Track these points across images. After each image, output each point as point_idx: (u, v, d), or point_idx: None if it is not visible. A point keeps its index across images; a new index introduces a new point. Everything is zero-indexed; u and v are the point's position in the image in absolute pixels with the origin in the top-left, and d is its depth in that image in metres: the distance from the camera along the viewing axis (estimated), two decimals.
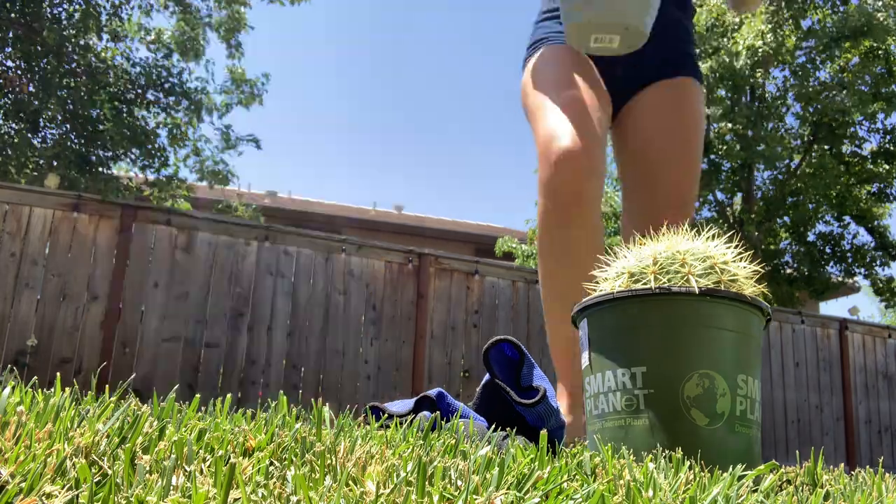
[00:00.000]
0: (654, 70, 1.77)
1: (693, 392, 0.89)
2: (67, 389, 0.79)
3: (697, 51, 12.05)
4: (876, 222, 12.21)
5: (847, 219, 12.36)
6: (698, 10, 11.40)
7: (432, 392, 1.03)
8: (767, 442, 6.67)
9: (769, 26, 10.75)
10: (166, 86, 9.69)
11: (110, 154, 9.18)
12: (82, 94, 8.57)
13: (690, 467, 0.76)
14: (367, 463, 0.59)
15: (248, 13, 10.35)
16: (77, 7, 8.79)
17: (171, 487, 0.48)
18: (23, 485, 0.44)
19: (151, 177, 9.95)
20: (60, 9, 8.74)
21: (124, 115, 9.14)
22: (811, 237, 12.46)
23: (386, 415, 1.00)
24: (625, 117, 1.80)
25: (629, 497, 0.56)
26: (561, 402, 1.57)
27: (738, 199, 12.46)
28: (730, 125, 11.37)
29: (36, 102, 8.47)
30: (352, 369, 5.13)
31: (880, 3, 10.55)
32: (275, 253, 5.14)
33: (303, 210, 13.47)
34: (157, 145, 9.68)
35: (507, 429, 0.88)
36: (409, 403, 1.04)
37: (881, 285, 12.14)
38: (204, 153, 10.81)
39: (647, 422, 0.90)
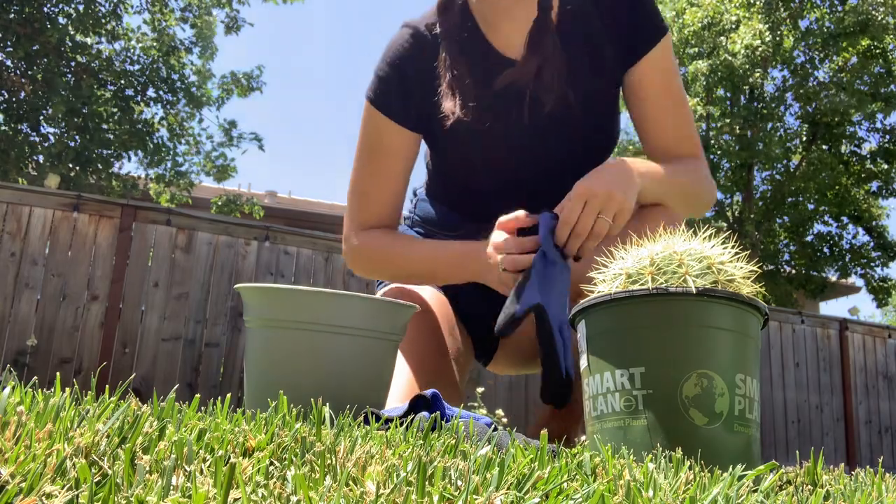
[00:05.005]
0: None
1: (691, 392, 0.89)
2: (67, 389, 0.79)
3: (695, 50, 11.98)
4: (874, 223, 12.22)
5: (845, 219, 12.37)
6: (693, 8, 11.40)
7: (427, 392, 1.03)
8: (767, 442, 6.67)
9: (767, 26, 10.75)
10: (168, 82, 9.70)
11: (112, 151, 9.19)
12: (84, 91, 8.57)
13: (690, 467, 0.76)
14: (367, 463, 0.59)
15: (247, 11, 10.41)
16: (75, 9, 8.80)
17: (171, 487, 0.48)
18: (23, 485, 0.45)
19: (153, 173, 9.96)
20: (57, 8, 8.74)
21: (125, 112, 9.16)
22: (810, 237, 12.47)
23: (385, 416, 1.00)
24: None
25: (629, 497, 0.56)
26: None
27: (737, 198, 12.47)
28: (728, 125, 11.37)
29: (35, 102, 8.48)
30: None
31: (873, 1, 10.53)
32: (275, 253, 5.14)
33: (303, 210, 13.47)
34: (157, 142, 9.70)
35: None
36: (403, 407, 1.05)
37: (875, 285, 12.15)
38: (205, 147, 10.83)
39: (645, 422, 0.90)
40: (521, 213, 1.27)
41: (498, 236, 1.27)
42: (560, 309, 1.17)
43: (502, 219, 1.28)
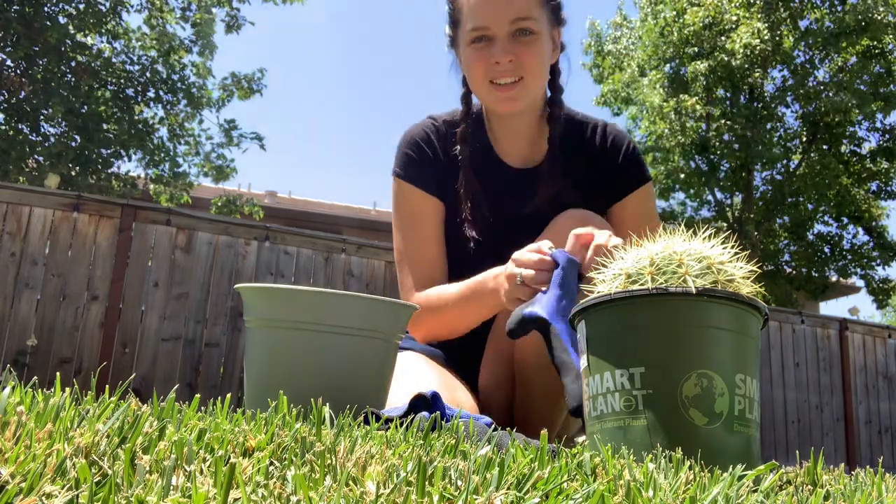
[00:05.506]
0: None
1: (691, 392, 0.89)
2: (67, 389, 0.79)
3: (695, 50, 11.97)
4: (874, 223, 12.22)
5: (845, 219, 12.37)
6: (694, 8, 11.40)
7: (427, 392, 1.03)
8: (767, 442, 6.67)
9: (766, 25, 10.74)
10: (168, 83, 9.70)
11: (111, 151, 9.20)
12: (84, 91, 8.57)
13: (690, 467, 0.76)
14: (367, 463, 0.59)
15: (248, 11, 10.40)
16: (75, 7, 8.80)
17: (171, 487, 0.48)
18: (23, 485, 0.45)
19: (153, 173, 9.96)
20: (57, 8, 8.74)
21: (125, 112, 9.16)
22: (810, 237, 12.47)
23: (385, 416, 1.00)
24: None
25: (629, 497, 0.56)
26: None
27: (737, 199, 12.47)
28: (728, 125, 11.37)
29: (35, 102, 8.48)
30: None
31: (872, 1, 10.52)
32: (275, 253, 5.14)
33: (303, 210, 13.46)
34: (157, 142, 9.70)
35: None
36: (403, 407, 1.05)
37: (875, 286, 12.15)
38: (205, 148, 10.81)
39: (645, 422, 0.90)
40: (546, 242, 1.33)
41: (518, 253, 1.33)
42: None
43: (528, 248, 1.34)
